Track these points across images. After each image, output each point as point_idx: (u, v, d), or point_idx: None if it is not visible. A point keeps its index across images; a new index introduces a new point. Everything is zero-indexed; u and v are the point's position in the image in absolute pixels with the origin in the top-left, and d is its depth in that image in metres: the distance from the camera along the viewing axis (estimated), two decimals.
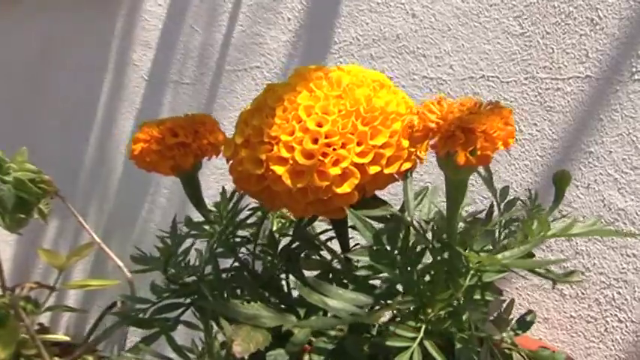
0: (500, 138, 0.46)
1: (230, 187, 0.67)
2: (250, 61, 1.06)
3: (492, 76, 0.83)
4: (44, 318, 1.31)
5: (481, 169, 0.60)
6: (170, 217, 0.68)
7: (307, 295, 0.53)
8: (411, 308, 0.52)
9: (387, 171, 0.53)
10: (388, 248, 0.54)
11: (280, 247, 0.65)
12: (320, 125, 0.53)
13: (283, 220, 0.68)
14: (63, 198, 1.04)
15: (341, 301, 0.51)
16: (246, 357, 0.53)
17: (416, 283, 0.54)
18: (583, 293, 0.75)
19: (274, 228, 0.67)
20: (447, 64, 0.86)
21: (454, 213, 0.53)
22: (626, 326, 0.72)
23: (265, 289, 0.63)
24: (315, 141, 0.53)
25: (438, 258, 0.55)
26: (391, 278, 0.54)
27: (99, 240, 1.08)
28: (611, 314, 0.73)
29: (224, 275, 0.64)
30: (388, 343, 0.50)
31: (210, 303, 0.59)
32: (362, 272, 0.54)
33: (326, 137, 0.52)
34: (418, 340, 0.49)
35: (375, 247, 0.54)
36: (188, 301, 0.63)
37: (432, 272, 0.54)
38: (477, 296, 0.53)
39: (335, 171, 0.52)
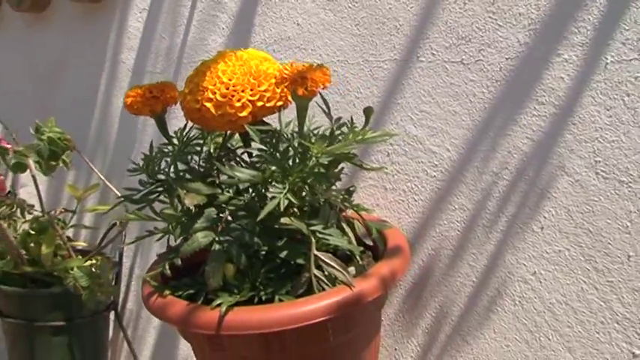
0: (321, 82, 0.61)
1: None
2: (199, 56, 1.11)
3: (344, 60, 0.90)
4: (70, 233, 1.34)
5: (323, 105, 0.72)
6: None
7: (225, 171, 0.66)
8: (280, 177, 0.64)
9: (268, 105, 0.67)
10: (268, 147, 0.67)
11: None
12: (230, 80, 0.66)
13: (215, 144, 0.77)
14: (79, 151, 1.17)
15: (244, 174, 0.64)
16: (192, 207, 0.67)
17: (281, 164, 0.65)
18: (395, 186, 0.87)
19: (211, 146, 0.76)
20: (318, 54, 0.93)
21: (302, 123, 0.67)
22: (420, 205, 0.85)
23: (204, 178, 0.73)
24: (227, 88, 0.66)
25: (294, 150, 0.66)
26: (270, 161, 0.66)
27: (104, 179, 1.20)
28: (411, 197, 0.86)
29: (180, 173, 0.74)
30: (268, 194, 0.64)
31: (173, 186, 0.71)
32: (254, 159, 0.68)
33: (233, 86, 0.66)
34: (284, 193, 0.62)
35: (261, 146, 0.67)
36: (160, 189, 0.74)
37: (290, 156, 0.65)
38: (322, 170, 0.65)
39: (238, 104, 0.66)
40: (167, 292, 0.70)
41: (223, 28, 1.07)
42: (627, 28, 0.67)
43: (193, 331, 0.66)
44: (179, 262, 0.68)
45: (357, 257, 0.73)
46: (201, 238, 0.65)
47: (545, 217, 0.74)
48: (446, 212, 0.82)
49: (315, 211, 0.73)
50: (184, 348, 1.20)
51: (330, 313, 0.62)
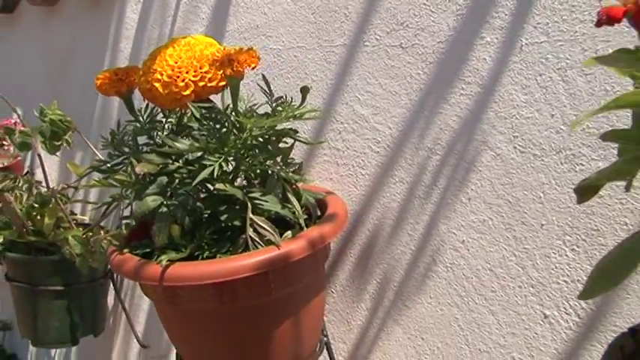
0: (247, 63, 0.69)
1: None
2: None
3: (303, 46, 0.98)
4: (77, 210, 1.48)
5: (264, 85, 0.79)
6: None
7: (169, 142, 0.73)
8: (216, 148, 0.71)
9: (209, 85, 0.73)
10: (207, 122, 0.75)
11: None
12: (175, 62, 0.73)
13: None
14: (80, 132, 1.28)
15: (183, 144, 0.71)
16: (141, 173, 0.74)
17: (218, 136, 0.73)
18: (345, 162, 0.94)
19: (166, 125, 0.83)
20: (281, 41, 1.01)
21: (235, 101, 0.74)
22: (367, 178, 0.91)
23: (159, 149, 0.78)
24: (172, 70, 0.73)
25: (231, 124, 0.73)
26: (211, 133, 0.74)
27: (102, 157, 1.32)
28: (359, 172, 0.95)
29: (140, 147, 0.81)
30: (203, 162, 0.70)
31: (133, 156, 0.78)
32: (195, 133, 0.76)
33: (178, 68, 0.73)
34: (219, 161, 0.70)
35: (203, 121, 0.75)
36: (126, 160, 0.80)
37: (225, 130, 0.73)
38: (254, 142, 0.73)
39: (182, 84, 0.73)
40: (126, 250, 0.80)
41: (203, 19, 1.16)
42: (538, 13, 0.73)
43: (143, 284, 0.76)
44: (133, 223, 0.77)
45: (302, 223, 0.81)
46: (150, 202, 0.75)
47: (471, 189, 0.81)
48: (388, 185, 0.89)
49: (264, 183, 0.81)
50: None
51: (259, 269, 0.71)
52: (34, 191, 1.31)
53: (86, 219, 1.40)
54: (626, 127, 0.64)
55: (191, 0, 1.18)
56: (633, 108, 0.40)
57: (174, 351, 1.18)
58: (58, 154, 1.24)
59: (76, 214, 1.43)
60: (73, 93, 1.57)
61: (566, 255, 0.72)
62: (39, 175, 1.36)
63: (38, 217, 1.27)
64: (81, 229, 1.27)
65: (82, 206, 1.54)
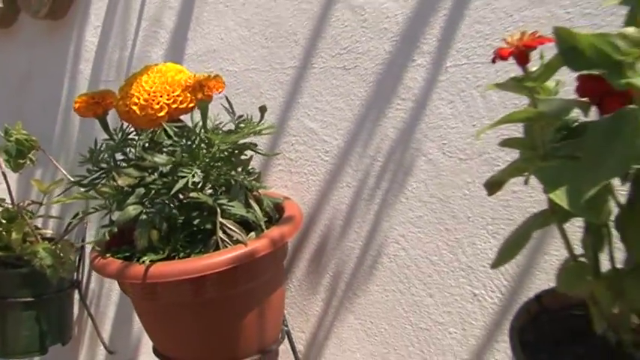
0: (216, 88, 0.81)
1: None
2: (143, 66, 1.33)
3: (257, 68, 1.09)
4: (39, 224, 1.52)
5: (227, 104, 0.90)
6: None
7: (148, 156, 0.83)
8: (189, 161, 0.81)
9: (180, 107, 0.85)
10: (180, 139, 0.84)
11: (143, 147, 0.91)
12: (150, 87, 0.84)
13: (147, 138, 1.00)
14: (44, 150, 1.33)
15: (161, 159, 0.82)
16: (124, 186, 0.88)
17: (190, 151, 0.83)
18: (298, 170, 1.06)
19: (144, 141, 0.91)
20: (237, 64, 1.12)
21: (205, 120, 0.84)
22: (318, 184, 1.05)
23: (137, 163, 0.89)
24: (148, 94, 0.84)
25: (201, 140, 0.82)
26: (184, 149, 0.83)
27: (66, 174, 1.32)
28: (310, 179, 1.09)
29: (118, 162, 0.90)
30: (179, 174, 0.82)
31: (112, 170, 0.88)
32: (170, 148, 0.86)
33: (153, 93, 0.84)
34: (192, 172, 0.80)
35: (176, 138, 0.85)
36: (103, 175, 0.91)
37: (195, 146, 0.83)
38: (221, 155, 0.84)
39: (157, 106, 0.84)
40: (108, 255, 0.90)
41: (163, 43, 1.27)
42: (459, 40, 0.88)
43: (127, 282, 0.86)
44: (115, 229, 0.88)
45: (263, 225, 0.93)
46: (131, 210, 0.85)
47: (409, 190, 0.95)
48: (337, 189, 1.03)
49: (228, 190, 0.93)
50: (138, 321, 1.40)
51: (229, 264, 0.83)
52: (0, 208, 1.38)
53: (49, 232, 1.46)
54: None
55: (151, 25, 1.28)
56: (520, 122, 0.54)
57: (141, 355, 1.29)
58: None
59: (40, 229, 1.49)
60: (33, 112, 1.64)
61: (489, 242, 0.87)
62: (1, 193, 1.43)
63: (4, 233, 1.34)
64: (46, 242, 1.35)
65: (44, 221, 1.61)
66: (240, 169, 0.93)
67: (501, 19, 0.83)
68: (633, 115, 0.47)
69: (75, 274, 1.43)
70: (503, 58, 0.51)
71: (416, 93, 0.93)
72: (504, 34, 0.83)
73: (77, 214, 1.42)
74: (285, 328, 1.06)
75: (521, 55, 0.51)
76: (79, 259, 1.42)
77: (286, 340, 1.07)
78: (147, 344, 1.36)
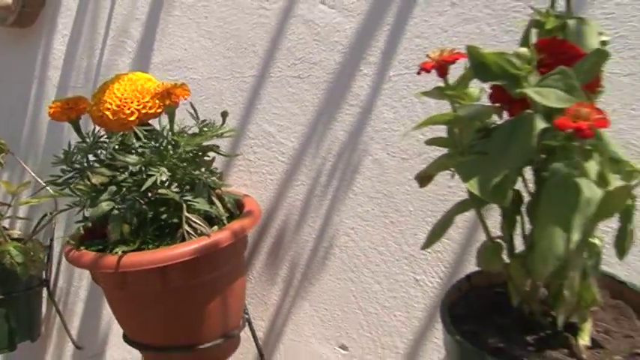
0: (181, 95, 0.91)
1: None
2: (111, 74, 1.32)
3: (219, 76, 1.17)
4: (5, 223, 1.55)
5: (192, 110, 0.98)
6: None
7: (120, 157, 0.91)
8: (157, 161, 0.89)
9: (150, 112, 0.91)
10: (149, 141, 0.92)
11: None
12: (122, 94, 0.90)
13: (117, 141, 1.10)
14: (13, 153, 1.39)
15: (132, 159, 0.90)
16: (98, 184, 1.01)
17: (158, 152, 0.90)
18: (257, 170, 1.15)
19: (114, 143, 1.00)
20: (200, 72, 1.20)
21: (172, 124, 0.92)
22: (275, 183, 1.15)
23: (108, 164, 0.96)
24: (120, 101, 0.90)
25: (168, 142, 0.92)
26: (152, 151, 0.91)
27: (35, 176, 1.41)
28: (268, 178, 1.20)
29: (91, 162, 0.97)
30: (148, 173, 0.96)
31: (86, 170, 0.95)
32: (139, 149, 0.98)
33: (124, 99, 0.90)
34: (161, 171, 0.89)
35: (145, 140, 0.95)
36: (77, 174, 0.99)
37: (163, 147, 0.91)
38: (188, 156, 1.00)
39: (128, 112, 0.90)
40: (82, 247, 0.98)
41: (130, 52, 1.35)
42: (401, 52, 0.99)
43: (100, 272, 0.95)
44: (90, 224, 0.96)
45: (224, 220, 1.02)
46: (104, 206, 0.94)
47: (357, 187, 1.05)
48: (292, 187, 1.12)
49: (193, 188, 1.02)
50: (106, 316, 1.48)
51: (194, 254, 0.92)
52: None
53: (17, 232, 1.52)
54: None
55: (118, 35, 1.36)
56: (442, 124, 0.65)
57: (108, 349, 1.36)
58: None
59: (7, 229, 1.54)
60: (1, 117, 1.69)
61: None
62: None
63: None
64: (16, 242, 1.41)
65: (11, 221, 1.66)
66: (203, 169, 1.01)
67: (437, 34, 0.94)
68: (529, 119, 0.59)
69: (44, 272, 1.47)
70: (427, 71, 0.62)
71: (363, 99, 1.03)
72: (439, 47, 0.95)
73: (46, 214, 1.49)
74: (246, 316, 1.15)
75: (441, 68, 0.62)
76: (48, 258, 1.47)
77: (247, 328, 1.16)
78: (114, 338, 1.44)
